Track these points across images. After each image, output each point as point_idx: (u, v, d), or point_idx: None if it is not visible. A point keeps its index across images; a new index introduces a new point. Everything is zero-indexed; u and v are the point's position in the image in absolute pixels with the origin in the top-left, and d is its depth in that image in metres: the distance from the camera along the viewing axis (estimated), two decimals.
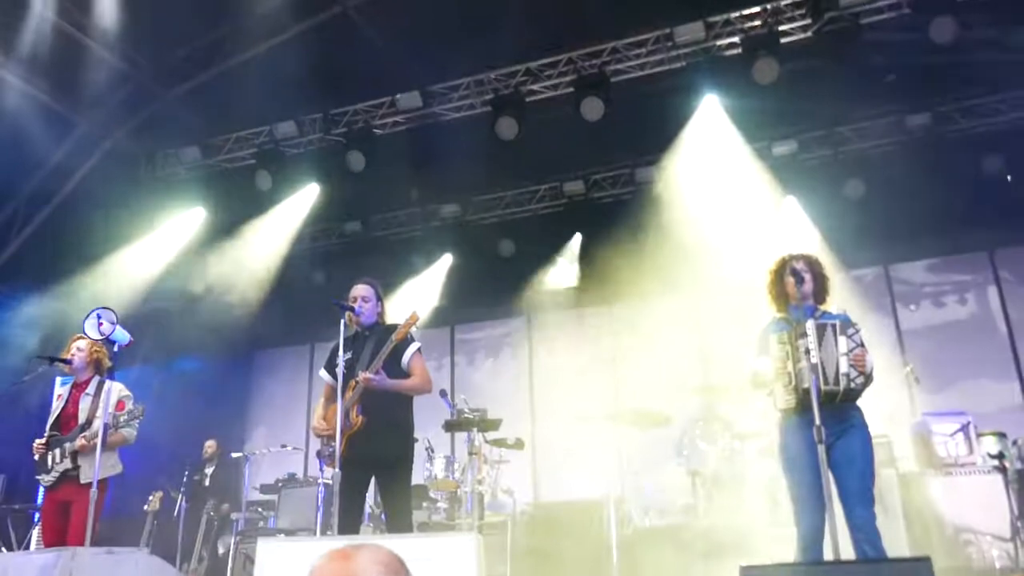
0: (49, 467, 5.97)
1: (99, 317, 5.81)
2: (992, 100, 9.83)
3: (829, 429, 4.55)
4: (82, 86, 9.75)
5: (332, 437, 5.29)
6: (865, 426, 4.86)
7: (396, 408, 5.45)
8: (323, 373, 5.74)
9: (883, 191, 9.87)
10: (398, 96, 10.35)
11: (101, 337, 5.87)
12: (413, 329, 5.51)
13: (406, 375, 5.47)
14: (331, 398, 5.53)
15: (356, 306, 5.57)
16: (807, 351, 4.66)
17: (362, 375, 5.25)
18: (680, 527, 7.81)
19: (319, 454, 5.76)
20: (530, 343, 12.73)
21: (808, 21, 8.84)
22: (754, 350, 5.15)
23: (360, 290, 5.68)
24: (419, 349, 5.57)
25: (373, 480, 5.52)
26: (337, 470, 5.06)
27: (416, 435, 5.81)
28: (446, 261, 12.63)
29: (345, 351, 5.48)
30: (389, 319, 5.76)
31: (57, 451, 5.98)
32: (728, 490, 8.05)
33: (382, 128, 10.61)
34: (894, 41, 8.69)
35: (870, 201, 9.93)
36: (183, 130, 11.05)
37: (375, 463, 5.33)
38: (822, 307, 5.06)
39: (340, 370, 5.39)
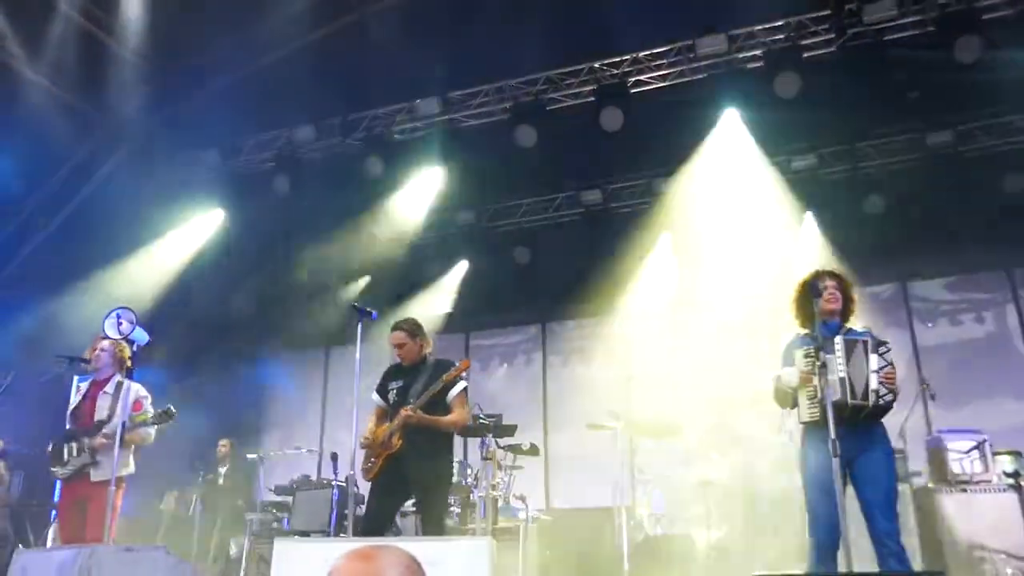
0: (65, 460, 6.01)
1: (119, 317, 5.87)
2: (1016, 118, 9.78)
3: (852, 444, 4.57)
4: (104, 87, 9.85)
5: (374, 452, 5.72)
6: (888, 442, 4.88)
7: (434, 437, 5.74)
8: (374, 396, 6.06)
9: (902, 207, 9.84)
10: (417, 102, 10.39)
11: (120, 336, 5.93)
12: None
13: (448, 409, 5.76)
14: (381, 418, 5.91)
15: (398, 357, 5.94)
16: (835, 366, 4.68)
17: (403, 412, 5.59)
18: (691, 537, 7.79)
19: (361, 466, 5.96)
20: (544, 351, 12.73)
21: (831, 36, 8.86)
22: (779, 363, 5.15)
23: (394, 338, 5.95)
24: (465, 389, 5.87)
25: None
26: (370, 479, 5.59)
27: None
28: (462, 268, 12.65)
29: (396, 379, 5.91)
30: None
31: (74, 444, 6.01)
32: (739, 501, 8.04)
33: (400, 134, 10.66)
34: (918, 58, 8.68)
35: (889, 217, 9.90)
36: (203, 133, 11.13)
37: (412, 482, 5.66)
38: (847, 325, 5.09)
39: (391, 396, 5.84)
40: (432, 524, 5.61)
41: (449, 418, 5.75)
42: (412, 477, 5.60)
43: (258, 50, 9.92)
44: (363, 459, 5.86)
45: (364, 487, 5.90)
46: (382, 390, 5.98)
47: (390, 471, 5.61)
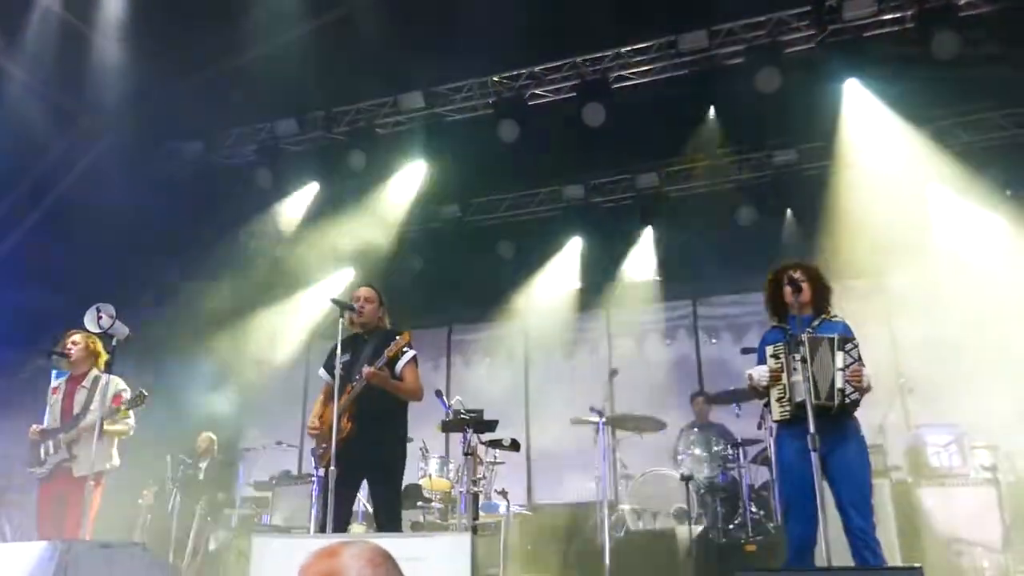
0: (42, 459, 5.99)
1: (98, 311, 5.83)
2: (995, 115, 9.86)
3: (824, 440, 4.54)
4: (86, 79, 9.77)
5: (324, 437, 5.41)
6: (861, 436, 4.87)
7: (388, 415, 5.54)
8: (322, 372, 5.86)
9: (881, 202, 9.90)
10: (400, 96, 10.38)
11: (100, 331, 5.89)
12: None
13: (400, 380, 5.56)
14: (329, 397, 5.60)
15: (359, 306, 5.61)
16: (803, 362, 4.66)
17: (366, 369, 5.33)
18: (673, 532, 7.82)
19: (312, 452, 5.81)
20: (527, 345, 12.74)
21: (812, 32, 8.90)
22: (755, 358, 5.17)
23: (363, 291, 5.76)
24: (414, 357, 5.66)
25: (365, 481, 5.58)
26: (333, 468, 5.09)
27: (410, 435, 5.87)
28: (446, 261, 12.63)
29: (343, 352, 5.57)
30: (391, 323, 5.82)
31: (50, 443, 5.99)
32: (722, 496, 8.08)
33: (384, 127, 10.63)
34: (897, 54, 8.73)
35: (868, 212, 9.95)
36: (186, 125, 11.07)
37: (365, 466, 5.43)
38: (823, 316, 5.05)
39: (337, 372, 5.45)
40: (386, 510, 5.43)
41: (407, 384, 5.55)
42: (364, 461, 5.37)
43: (242, 43, 9.85)
44: (315, 444, 5.68)
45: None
46: (329, 366, 5.73)
47: (342, 455, 5.21)
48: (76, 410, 6.05)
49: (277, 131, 10.90)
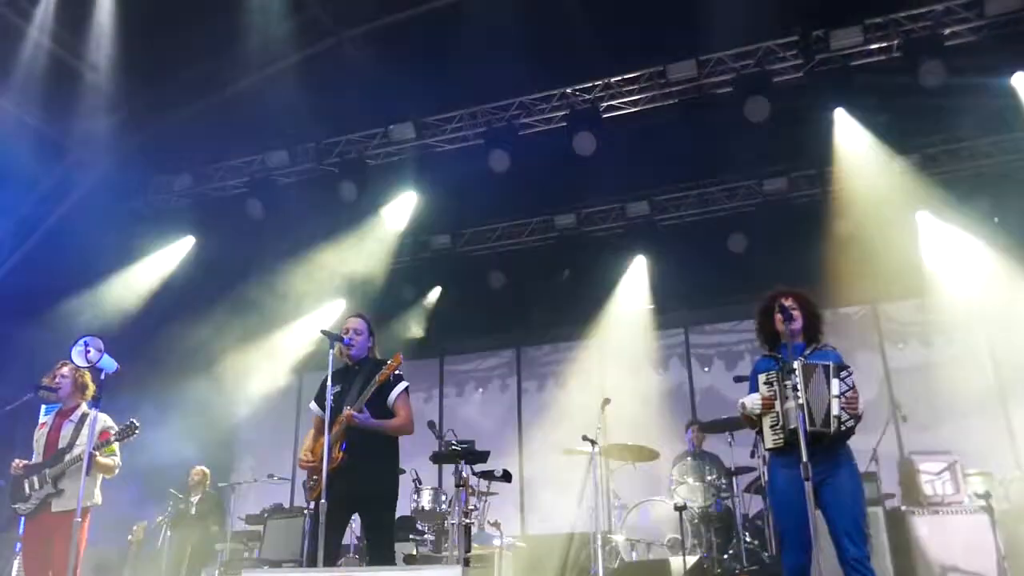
0: (26, 494, 5.89)
1: (86, 344, 5.75)
2: (982, 143, 9.93)
3: (818, 468, 4.52)
4: (75, 112, 9.77)
5: (316, 470, 5.31)
6: (854, 464, 4.84)
7: (380, 446, 5.45)
8: (313, 405, 5.77)
9: (871, 230, 9.95)
10: (391, 127, 10.41)
11: (88, 365, 5.82)
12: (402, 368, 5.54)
13: (391, 413, 5.49)
14: (320, 430, 5.54)
15: (347, 338, 5.58)
16: (794, 390, 4.65)
17: (346, 411, 5.27)
18: (667, 562, 7.75)
19: (304, 485, 5.73)
20: (519, 375, 12.71)
21: (799, 62, 8.97)
22: (747, 387, 5.14)
23: (352, 322, 5.71)
24: (406, 389, 5.59)
25: (357, 515, 5.51)
26: (323, 501, 5.03)
27: (402, 467, 5.80)
28: (436, 292, 12.64)
29: (334, 384, 5.49)
30: (381, 354, 5.77)
31: (35, 478, 5.89)
32: (716, 526, 8.02)
33: (375, 158, 10.66)
34: (884, 83, 8.81)
35: (858, 240, 9.99)
36: (175, 157, 11.08)
37: (357, 499, 5.34)
38: (813, 345, 5.04)
39: (328, 403, 5.39)
40: (380, 547, 5.33)
41: (394, 421, 5.45)
42: (356, 493, 5.26)
43: (232, 75, 9.88)
44: (306, 477, 5.58)
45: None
46: (319, 399, 5.62)
47: (334, 485, 5.12)
48: (62, 444, 5.97)
49: (268, 162, 10.90)
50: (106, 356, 5.75)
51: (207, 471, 10.08)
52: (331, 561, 5.21)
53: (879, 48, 8.77)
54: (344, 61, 9.79)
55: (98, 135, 10.19)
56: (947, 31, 8.49)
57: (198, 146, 10.78)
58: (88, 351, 5.70)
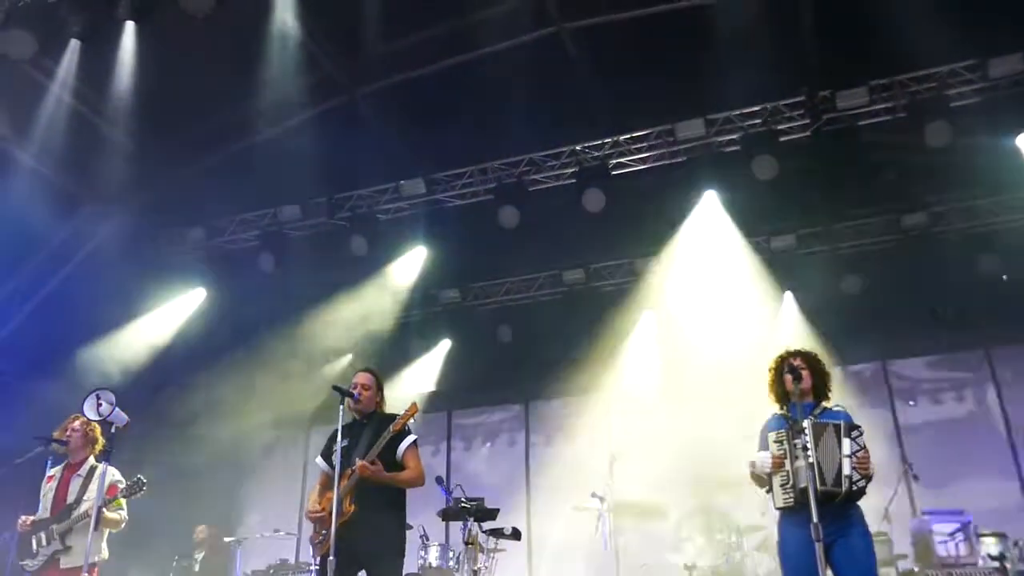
0: (34, 551, 5.85)
1: (98, 397, 5.77)
2: (988, 202, 9.99)
3: (829, 528, 4.50)
4: (91, 166, 9.89)
5: (324, 522, 5.28)
6: (865, 525, 4.81)
7: (389, 500, 5.43)
8: (319, 461, 5.74)
9: (881, 287, 9.98)
10: (402, 182, 10.52)
11: (99, 418, 5.83)
12: (411, 421, 5.53)
13: (400, 466, 5.47)
14: (326, 486, 5.50)
15: (356, 392, 5.59)
16: (804, 449, 4.64)
17: (359, 463, 5.23)
18: None
19: (311, 541, 5.69)
20: (527, 430, 12.66)
21: (807, 121, 9.08)
22: (756, 445, 5.14)
23: (361, 377, 5.73)
24: (415, 442, 5.58)
25: (364, 572, 5.46)
26: (332, 557, 4.99)
27: (410, 522, 5.77)
28: (444, 346, 12.66)
29: (343, 438, 5.50)
30: (389, 408, 5.78)
31: (43, 534, 5.86)
32: None
33: (385, 213, 10.75)
34: (892, 142, 8.90)
35: (868, 296, 10.02)
36: (188, 210, 11.19)
37: (365, 555, 5.27)
38: (823, 403, 5.05)
39: (336, 457, 5.37)
40: None
41: (406, 474, 5.43)
42: (364, 547, 5.18)
43: (246, 130, 10.01)
44: (313, 533, 5.51)
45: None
46: (327, 453, 5.63)
47: (342, 538, 5.05)
48: (70, 499, 5.95)
49: (280, 216, 11.01)
50: (117, 409, 5.76)
51: (211, 529, 10.02)
52: None
53: (884, 108, 8.86)
54: (357, 117, 9.93)
55: (112, 187, 10.30)
56: (953, 91, 8.59)
57: (211, 199, 10.87)
58: (100, 404, 5.72)
